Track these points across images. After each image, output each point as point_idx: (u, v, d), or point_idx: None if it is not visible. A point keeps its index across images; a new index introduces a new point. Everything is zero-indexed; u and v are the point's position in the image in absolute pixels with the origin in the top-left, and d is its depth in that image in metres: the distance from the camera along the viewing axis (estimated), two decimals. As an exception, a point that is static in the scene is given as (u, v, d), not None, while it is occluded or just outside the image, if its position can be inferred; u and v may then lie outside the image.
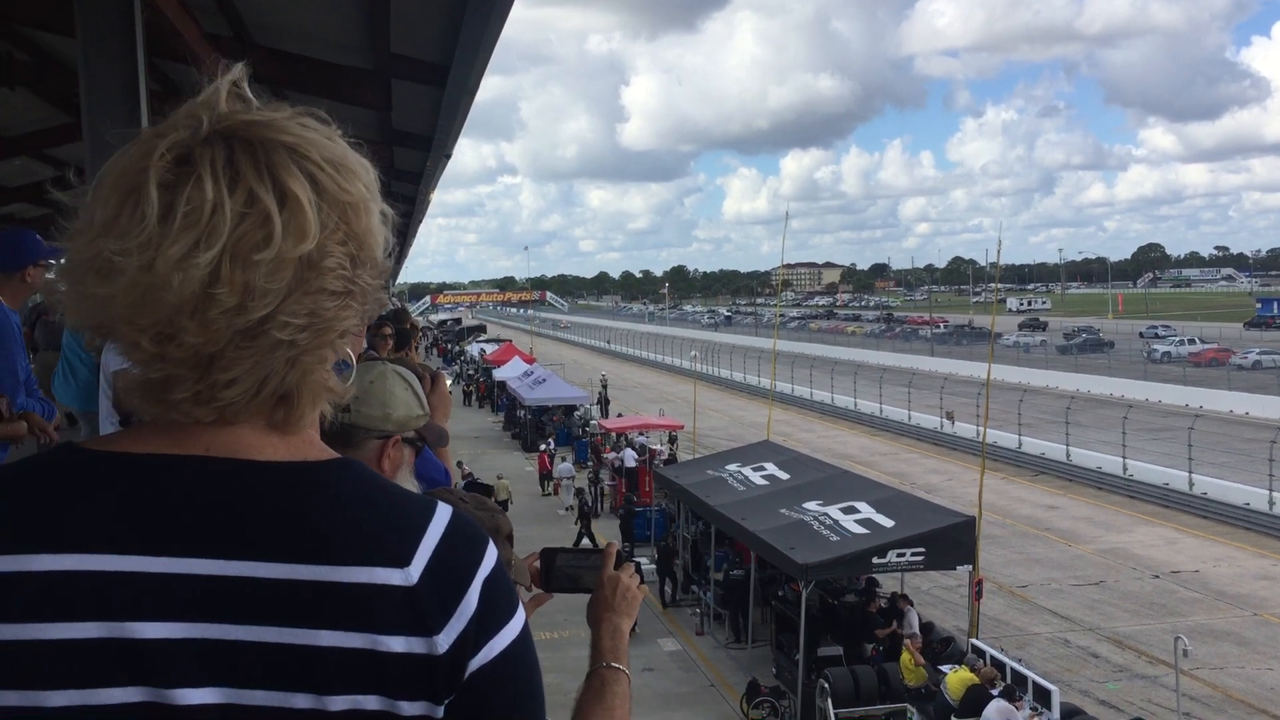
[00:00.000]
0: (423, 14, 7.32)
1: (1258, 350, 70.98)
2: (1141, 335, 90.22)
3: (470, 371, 65.35)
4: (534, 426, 45.27)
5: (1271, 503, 30.88)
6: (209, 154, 1.10)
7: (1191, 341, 79.01)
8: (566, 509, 34.28)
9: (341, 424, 2.27)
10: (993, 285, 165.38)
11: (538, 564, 2.25)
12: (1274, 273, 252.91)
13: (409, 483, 2.43)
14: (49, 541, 1.08)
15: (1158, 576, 26.88)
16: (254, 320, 1.09)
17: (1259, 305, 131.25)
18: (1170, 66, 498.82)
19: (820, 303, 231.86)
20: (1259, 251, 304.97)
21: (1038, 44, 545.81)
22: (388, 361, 2.45)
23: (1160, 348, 77.31)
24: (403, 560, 1.12)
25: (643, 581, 2.20)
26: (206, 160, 1.09)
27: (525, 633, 1.22)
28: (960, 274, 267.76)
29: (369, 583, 1.10)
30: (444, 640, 1.13)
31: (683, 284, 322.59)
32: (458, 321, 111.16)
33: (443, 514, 1.18)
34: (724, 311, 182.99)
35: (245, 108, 1.15)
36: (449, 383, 3.84)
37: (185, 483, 1.12)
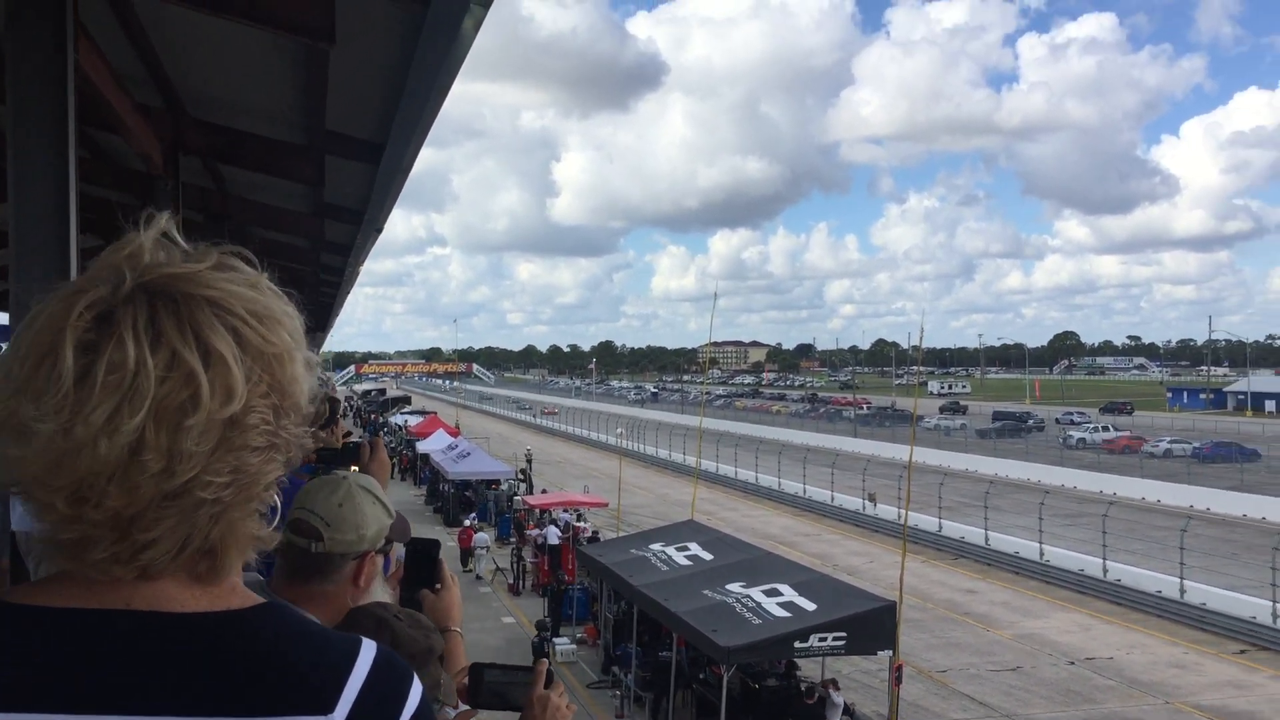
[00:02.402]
0: (360, 93, 7.33)
1: (1168, 439, 72.91)
2: (1058, 421, 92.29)
3: (393, 444, 64.53)
4: (457, 500, 44.71)
5: (1183, 591, 31.45)
6: (130, 312, 1.07)
7: (1105, 429, 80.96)
8: (479, 578, 34.39)
9: (317, 553, 2.22)
10: (915, 368, 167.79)
11: (466, 680, 2.20)
12: (1183, 363, 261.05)
13: (381, 591, 2.38)
14: None
15: (1073, 663, 27.15)
16: (179, 484, 1.06)
17: (1169, 394, 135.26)
18: (1084, 161, 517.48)
19: (746, 381, 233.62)
20: (1169, 342, 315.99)
21: (958, 135, 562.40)
22: (347, 476, 2.38)
23: (1075, 434, 79.06)
24: (326, 707, 1.10)
25: (551, 682, 2.17)
26: (128, 319, 1.07)
27: None
28: (884, 356, 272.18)
29: None
30: None
31: (610, 359, 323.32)
32: (382, 392, 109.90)
33: (367, 654, 1.15)
34: (650, 388, 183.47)
35: (168, 258, 1.12)
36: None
37: (105, 638, 1.09)
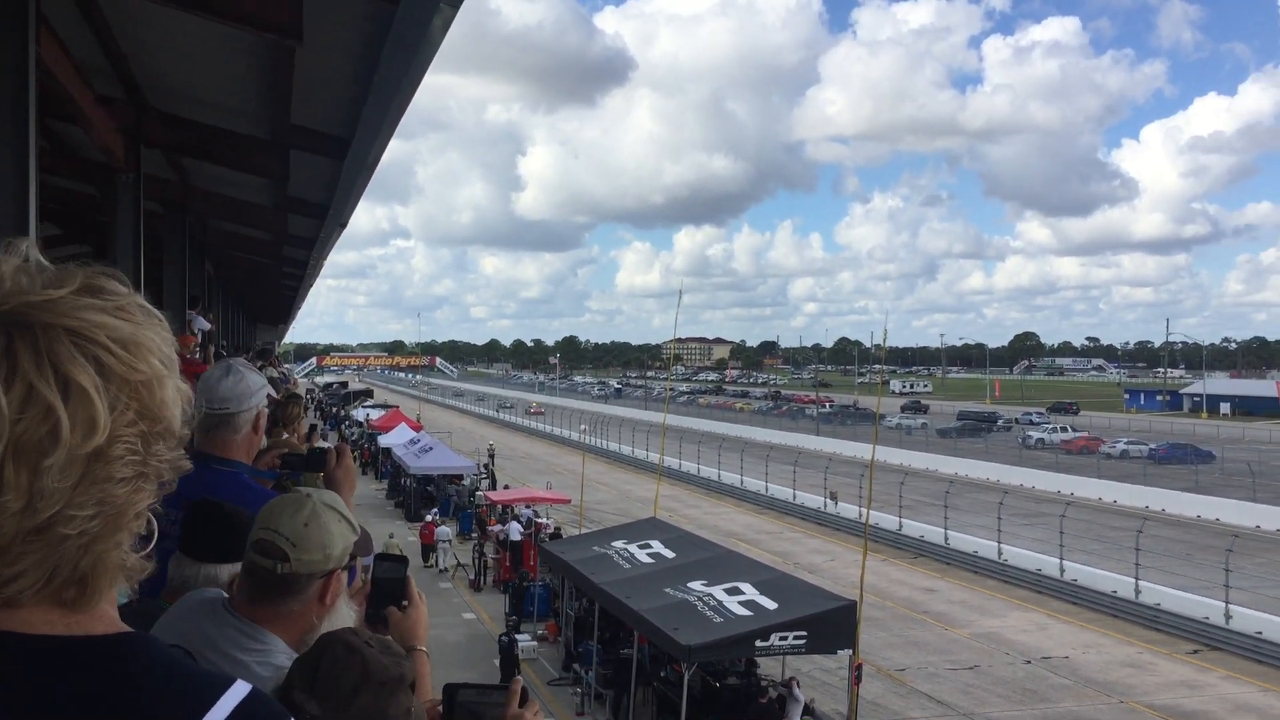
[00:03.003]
0: (326, 88, 7.27)
1: (1125, 440, 73.82)
2: (1017, 421, 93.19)
3: (354, 437, 64.08)
4: (418, 495, 44.52)
5: (1138, 591, 31.85)
6: None
7: (1064, 429, 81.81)
8: (441, 571, 34.43)
9: (283, 574, 2.18)
10: (877, 367, 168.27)
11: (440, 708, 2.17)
12: (1141, 364, 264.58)
13: (346, 610, 2.34)
14: None
15: (1029, 662, 27.43)
16: (42, 520, 1.03)
17: (1126, 396, 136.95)
18: (1046, 163, 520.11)
19: (710, 378, 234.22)
20: (1127, 344, 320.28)
21: (922, 136, 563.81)
22: (311, 494, 2.34)
23: (1034, 434, 79.86)
24: None
25: (525, 701, 2.15)
26: None
27: None
28: (846, 354, 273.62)
29: None
30: None
31: (574, 354, 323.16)
32: (344, 385, 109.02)
33: (231, 697, 1.10)
34: (614, 383, 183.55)
35: (29, 284, 1.08)
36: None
37: None
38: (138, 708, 1.05)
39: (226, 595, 2.28)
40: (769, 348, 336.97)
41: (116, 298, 1.11)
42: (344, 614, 2.28)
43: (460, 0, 4.81)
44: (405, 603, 2.51)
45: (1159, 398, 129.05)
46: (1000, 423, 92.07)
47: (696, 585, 20.65)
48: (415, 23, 5.07)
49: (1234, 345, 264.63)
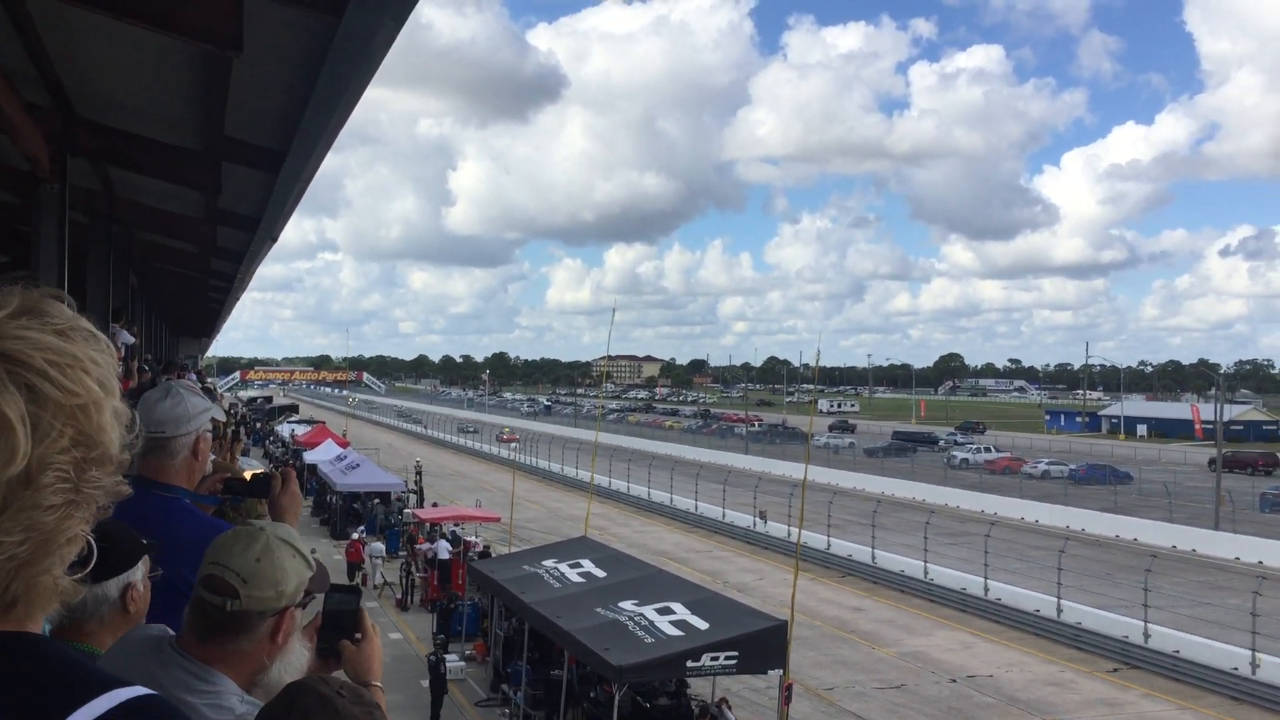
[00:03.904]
0: (263, 100, 7.13)
1: (1046, 461, 75.33)
2: (943, 441, 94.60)
3: (279, 453, 63.08)
4: (344, 513, 43.89)
5: (1059, 610, 32.41)
6: None
7: (987, 450, 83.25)
8: (374, 587, 34.12)
9: (233, 611, 2.08)
10: (807, 386, 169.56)
11: None
12: (1060, 386, 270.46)
13: (300, 650, 2.23)
14: None
15: (955, 681, 27.73)
16: None
17: (1047, 417, 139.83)
18: (970, 188, 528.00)
19: (639, 396, 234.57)
20: (1048, 366, 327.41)
21: (850, 158, 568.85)
22: (264, 527, 2.23)
23: (959, 454, 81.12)
24: None
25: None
26: None
27: None
28: (775, 373, 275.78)
29: None
30: None
31: (504, 370, 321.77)
32: (268, 400, 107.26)
33: (117, 696, 1.06)
34: (544, 400, 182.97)
35: None
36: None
37: None
38: (9, 693, 1.03)
39: (174, 633, 2.17)
40: (699, 366, 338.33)
41: (56, 320, 1.08)
42: (297, 653, 2.19)
43: (405, 17, 4.76)
44: (359, 635, 2.41)
45: (1078, 419, 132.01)
46: (940, 443, 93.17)
47: (628, 605, 20.59)
48: (358, 38, 4.99)
49: (1150, 368, 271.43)
